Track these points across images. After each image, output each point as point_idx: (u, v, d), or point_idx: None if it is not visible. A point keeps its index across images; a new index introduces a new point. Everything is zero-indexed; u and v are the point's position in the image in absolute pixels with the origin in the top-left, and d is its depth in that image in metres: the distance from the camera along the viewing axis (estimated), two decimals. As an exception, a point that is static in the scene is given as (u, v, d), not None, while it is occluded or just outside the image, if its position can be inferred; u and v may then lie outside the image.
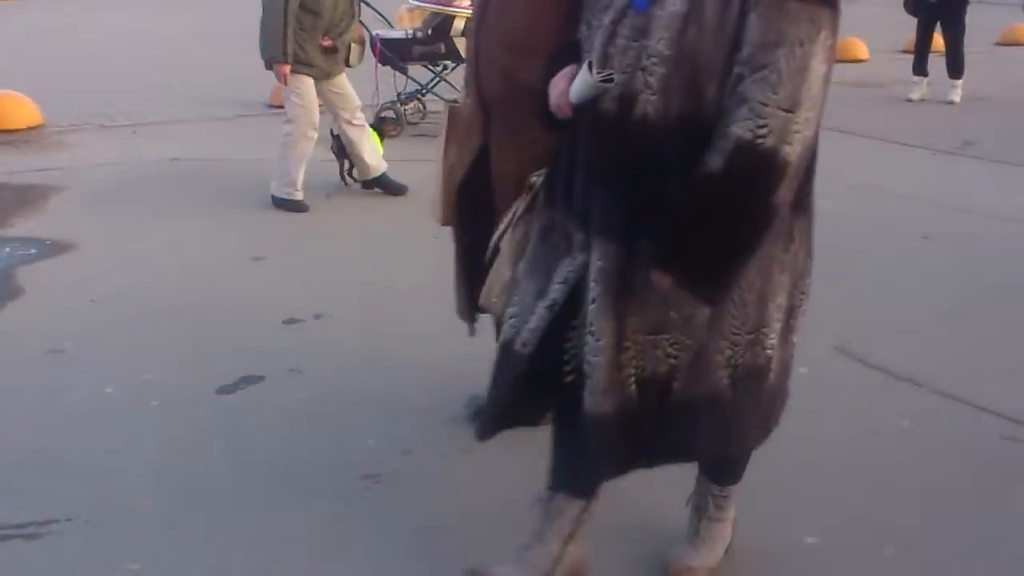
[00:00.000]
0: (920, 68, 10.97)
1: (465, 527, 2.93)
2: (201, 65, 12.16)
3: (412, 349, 4.10)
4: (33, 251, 5.46)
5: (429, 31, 8.38)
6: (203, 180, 7.03)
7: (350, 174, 6.78)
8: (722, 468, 2.66)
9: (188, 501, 3.10)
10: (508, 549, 2.62)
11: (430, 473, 3.25)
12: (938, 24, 10.80)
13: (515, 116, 2.82)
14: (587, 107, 2.18)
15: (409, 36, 8.52)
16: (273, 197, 6.34)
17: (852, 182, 7.07)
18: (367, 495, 3.15)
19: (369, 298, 4.79)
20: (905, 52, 12.83)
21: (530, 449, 2.79)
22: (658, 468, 2.42)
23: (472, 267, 3.08)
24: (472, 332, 3.37)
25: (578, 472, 2.46)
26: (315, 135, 6.31)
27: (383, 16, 8.71)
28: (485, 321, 3.28)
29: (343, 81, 6.44)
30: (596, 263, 2.19)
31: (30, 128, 8.62)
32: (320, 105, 6.36)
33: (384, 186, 6.69)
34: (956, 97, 10.80)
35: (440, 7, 8.33)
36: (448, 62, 8.53)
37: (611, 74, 2.10)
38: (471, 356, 3.25)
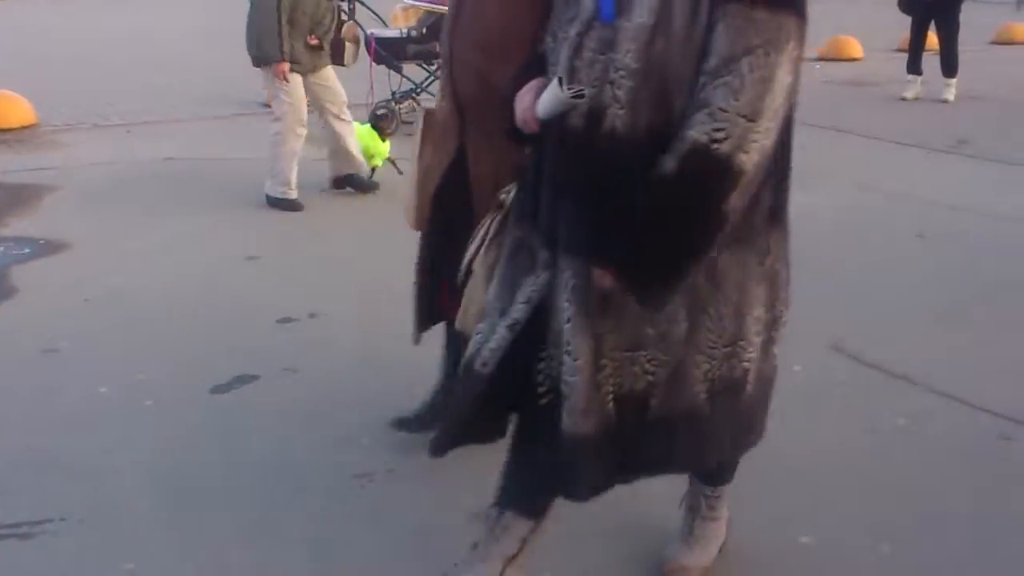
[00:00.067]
0: (914, 67, 10.98)
1: (459, 527, 2.92)
2: (196, 64, 12.15)
3: (407, 348, 4.07)
4: (27, 251, 5.46)
5: (424, 30, 8.39)
6: (197, 179, 7.02)
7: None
8: (711, 471, 2.65)
9: (183, 500, 3.10)
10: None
11: (424, 472, 3.24)
12: (932, 23, 10.82)
13: (490, 118, 2.73)
14: (554, 122, 2.12)
15: (404, 35, 8.53)
16: (268, 196, 6.34)
17: (846, 180, 7.09)
18: (361, 494, 3.15)
19: (364, 297, 4.79)
20: (899, 51, 12.84)
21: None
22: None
23: (436, 275, 3.06)
24: (416, 341, 3.32)
25: (542, 491, 2.42)
26: (304, 132, 6.32)
27: (378, 15, 8.72)
28: (435, 330, 3.26)
29: (329, 73, 6.47)
30: (570, 282, 2.14)
31: (24, 127, 8.61)
32: (308, 105, 6.38)
33: (356, 185, 6.71)
34: (950, 96, 10.81)
35: (435, 6, 8.33)
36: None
37: (582, 90, 2.05)
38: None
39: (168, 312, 4.57)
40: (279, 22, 5.94)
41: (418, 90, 8.68)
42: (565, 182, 2.17)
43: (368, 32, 8.08)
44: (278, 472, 3.25)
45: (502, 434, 2.48)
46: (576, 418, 2.16)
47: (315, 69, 6.33)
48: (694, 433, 2.25)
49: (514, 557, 2.49)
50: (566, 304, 2.15)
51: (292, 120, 6.22)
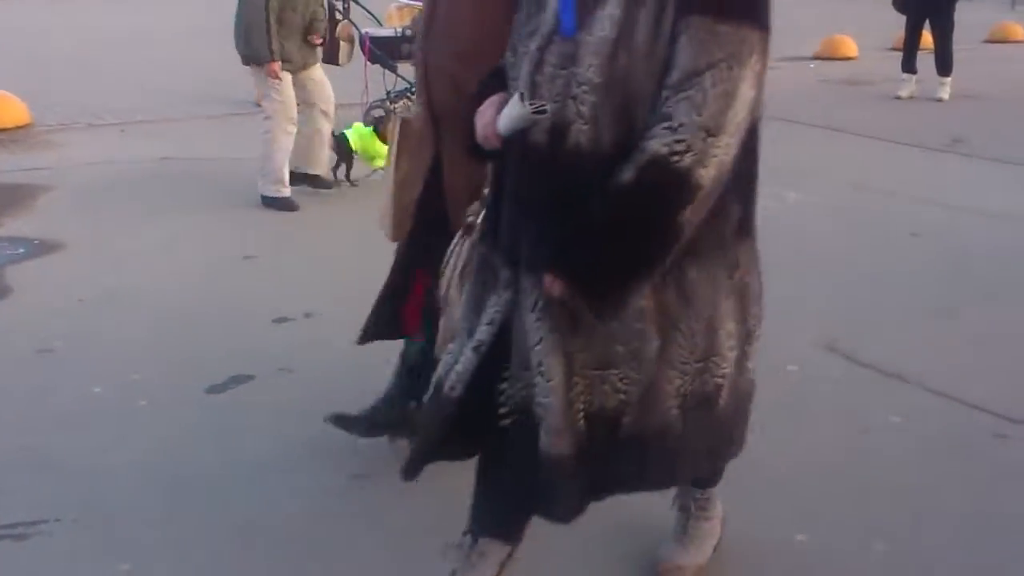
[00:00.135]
0: (909, 65, 11.00)
1: (456, 527, 2.92)
2: (190, 63, 12.12)
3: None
4: (21, 251, 5.45)
5: (419, 29, 8.37)
6: (193, 179, 7.02)
7: (347, 176, 6.78)
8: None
9: (178, 501, 3.10)
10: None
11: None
12: (927, 21, 10.84)
13: (465, 127, 2.74)
14: (516, 138, 2.08)
15: (398, 34, 8.50)
16: (262, 197, 6.33)
17: (840, 179, 7.10)
18: (358, 494, 3.15)
19: (360, 297, 4.73)
20: (894, 49, 12.87)
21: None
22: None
23: (411, 278, 3.06)
24: (361, 342, 3.32)
25: (515, 514, 2.40)
26: (294, 130, 6.33)
27: (372, 14, 8.69)
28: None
29: (319, 70, 6.49)
30: (537, 301, 2.11)
31: (18, 127, 8.60)
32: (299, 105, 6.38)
33: (317, 185, 6.70)
34: (945, 94, 10.83)
35: (430, 5, 8.32)
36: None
37: (544, 105, 2.02)
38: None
39: (163, 312, 4.56)
40: (267, 20, 5.94)
41: (413, 89, 8.66)
42: (527, 199, 2.14)
43: (363, 31, 8.07)
44: (273, 472, 3.25)
45: (474, 455, 2.45)
46: (552, 439, 2.13)
47: (306, 67, 6.35)
48: (666, 450, 2.22)
49: None
50: (536, 324, 2.12)
51: (282, 118, 6.23)
